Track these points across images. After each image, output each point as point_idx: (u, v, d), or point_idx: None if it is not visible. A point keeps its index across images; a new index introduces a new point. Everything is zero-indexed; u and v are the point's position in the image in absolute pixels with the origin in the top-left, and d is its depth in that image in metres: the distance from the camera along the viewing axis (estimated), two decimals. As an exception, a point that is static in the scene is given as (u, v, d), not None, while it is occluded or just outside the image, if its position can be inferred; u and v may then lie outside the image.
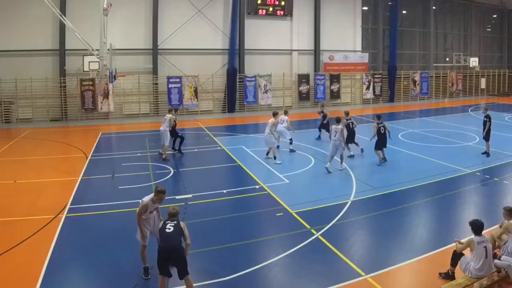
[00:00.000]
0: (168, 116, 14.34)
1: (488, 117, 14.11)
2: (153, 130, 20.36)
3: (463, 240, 6.47)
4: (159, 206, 7.03)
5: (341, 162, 12.81)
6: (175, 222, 6.18)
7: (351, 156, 14.29)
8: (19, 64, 22.21)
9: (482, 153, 14.29)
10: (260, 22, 27.73)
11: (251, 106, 27.44)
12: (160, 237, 6.10)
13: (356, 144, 14.75)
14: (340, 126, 12.63)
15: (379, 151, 13.41)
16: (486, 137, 14.17)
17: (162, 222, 6.27)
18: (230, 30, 26.39)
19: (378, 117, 13.66)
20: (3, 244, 7.67)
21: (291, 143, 15.37)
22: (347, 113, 15.13)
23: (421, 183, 11.23)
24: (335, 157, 12.76)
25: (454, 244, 6.59)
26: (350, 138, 14.27)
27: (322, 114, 17.27)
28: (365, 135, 15.24)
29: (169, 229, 6.06)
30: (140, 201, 6.82)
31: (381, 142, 13.30)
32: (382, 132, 13.22)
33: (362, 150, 14.76)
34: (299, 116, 25.35)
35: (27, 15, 22.22)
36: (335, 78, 29.85)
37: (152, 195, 6.82)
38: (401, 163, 14.17)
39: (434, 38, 35.41)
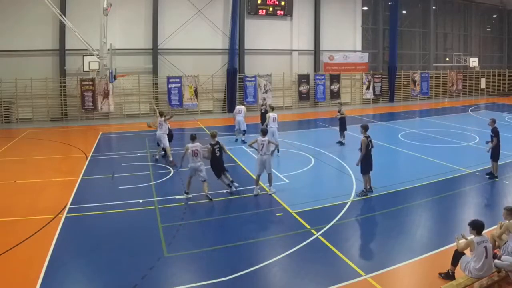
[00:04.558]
0: (162, 119, 13.93)
1: (494, 131, 11.46)
2: (153, 130, 20.33)
3: (462, 241, 6.46)
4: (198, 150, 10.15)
5: (270, 183, 10.50)
6: (219, 145, 10.34)
7: (340, 143, 16.16)
8: (19, 64, 22.21)
9: (487, 174, 11.77)
10: (260, 22, 27.74)
11: (251, 106, 27.42)
12: (212, 158, 10.29)
13: (343, 135, 16.31)
14: (266, 138, 10.38)
15: (368, 176, 10.32)
16: (493, 156, 11.57)
17: (211, 146, 10.24)
18: (230, 30, 26.40)
19: (365, 128, 10.42)
20: (3, 244, 7.67)
21: (244, 134, 17.07)
22: (341, 104, 17.07)
23: (421, 183, 11.22)
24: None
25: (454, 243, 6.58)
26: (343, 127, 16.32)
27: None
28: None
29: (217, 153, 10.33)
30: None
31: (370, 162, 10.25)
32: (370, 148, 10.23)
33: (342, 143, 16.14)
34: (299, 116, 25.39)
35: (27, 15, 22.23)
36: (335, 78, 29.85)
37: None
38: (401, 163, 14.19)
39: (434, 38, 35.40)
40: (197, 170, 10.11)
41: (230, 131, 19.50)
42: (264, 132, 10.70)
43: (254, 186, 10.51)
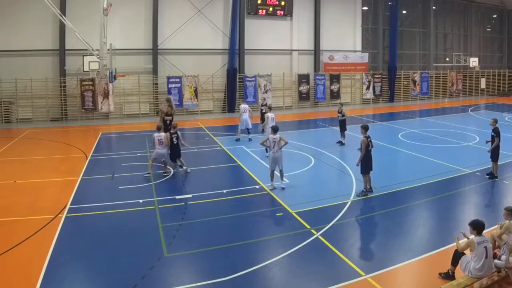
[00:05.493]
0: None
1: (496, 131, 11.47)
2: (153, 130, 20.32)
3: (462, 241, 6.47)
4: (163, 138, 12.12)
5: (282, 178, 10.97)
6: (176, 135, 12.18)
7: (341, 143, 16.19)
8: (19, 64, 22.21)
9: (487, 174, 11.74)
10: (260, 22, 27.74)
11: (251, 106, 27.32)
12: (171, 145, 12.19)
13: (343, 135, 16.29)
14: (277, 136, 10.74)
15: (368, 176, 10.38)
16: (493, 156, 11.53)
17: (169, 135, 12.18)
18: (230, 30, 26.39)
19: (365, 128, 10.46)
20: (3, 244, 7.67)
21: (249, 132, 17.38)
22: (341, 104, 17.02)
23: (421, 183, 11.22)
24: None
25: (454, 243, 6.58)
26: (343, 127, 16.32)
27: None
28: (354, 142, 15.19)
29: (175, 141, 12.19)
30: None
31: (369, 163, 10.32)
32: (370, 148, 10.28)
33: (342, 143, 16.15)
34: (299, 116, 25.39)
35: (27, 15, 22.22)
36: (335, 78, 29.85)
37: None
38: (401, 163, 14.19)
39: (434, 38, 35.40)
40: (163, 155, 12.18)
41: (230, 131, 19.54)
42: (275, 130, 10.96)
43: (270, 182, 10.89)
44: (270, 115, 15.33)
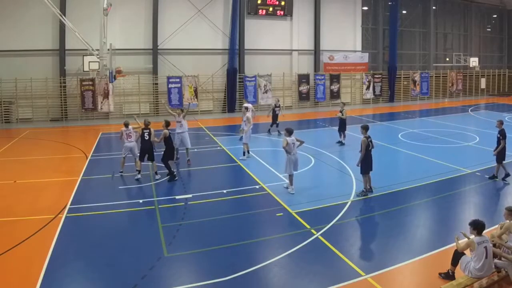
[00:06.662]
0: (181, 117, 13.74)
1: (502, 133, 11.35)
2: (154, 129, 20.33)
3: (462, 241, 6.46)
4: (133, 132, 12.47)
5: (291, 184, 10.69)
6: (148, 131, 11.88)
7: (341, 143, 16.22)
8: (19, 64, 22.22)
9: (490, 177, 11.59)
10: (260, 22, 27.74)
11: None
12: (141, 141, 11.92)
13: (344, 135, 16.36)
14: (293, 137, 10.60)
15: (368, 176, 10.38)
16: (498, 158, 11.44)
17: (141, 131, 11.96)
18: (230, 30, 26.40)
19: (366, 128, 10.43)
20: (3, 244, 7.67)
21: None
22: (343, 104, 17.33)
23: (421, 183, 11.22)
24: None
25: (454, 244, 6.58)
26: (342, 127, 16.31)
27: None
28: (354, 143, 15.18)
29: (146, 137, 11.85)
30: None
31: (370, 163, 10.30)
32: (370, 148, 10.28)
33: (342, 143, 16.21)
34: (299, 116, 25.38)
35: (27, 15, 22.24)
36: (335, 78, 29.85)
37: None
38: (401, 163, 14.19)
39: (434, 38, 35.41)
40: (131, 148, 12.32)
41: (230, 131, 19.53)
42: (290, 132, 10.64)
43: (290, 186, 10.64)
44: (249, 114, 14.76)
